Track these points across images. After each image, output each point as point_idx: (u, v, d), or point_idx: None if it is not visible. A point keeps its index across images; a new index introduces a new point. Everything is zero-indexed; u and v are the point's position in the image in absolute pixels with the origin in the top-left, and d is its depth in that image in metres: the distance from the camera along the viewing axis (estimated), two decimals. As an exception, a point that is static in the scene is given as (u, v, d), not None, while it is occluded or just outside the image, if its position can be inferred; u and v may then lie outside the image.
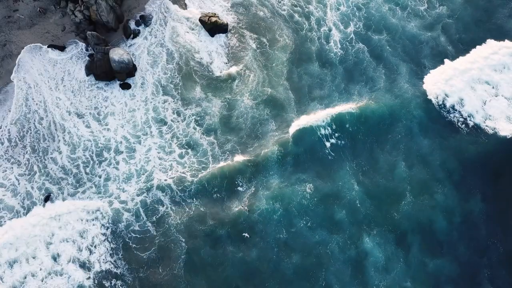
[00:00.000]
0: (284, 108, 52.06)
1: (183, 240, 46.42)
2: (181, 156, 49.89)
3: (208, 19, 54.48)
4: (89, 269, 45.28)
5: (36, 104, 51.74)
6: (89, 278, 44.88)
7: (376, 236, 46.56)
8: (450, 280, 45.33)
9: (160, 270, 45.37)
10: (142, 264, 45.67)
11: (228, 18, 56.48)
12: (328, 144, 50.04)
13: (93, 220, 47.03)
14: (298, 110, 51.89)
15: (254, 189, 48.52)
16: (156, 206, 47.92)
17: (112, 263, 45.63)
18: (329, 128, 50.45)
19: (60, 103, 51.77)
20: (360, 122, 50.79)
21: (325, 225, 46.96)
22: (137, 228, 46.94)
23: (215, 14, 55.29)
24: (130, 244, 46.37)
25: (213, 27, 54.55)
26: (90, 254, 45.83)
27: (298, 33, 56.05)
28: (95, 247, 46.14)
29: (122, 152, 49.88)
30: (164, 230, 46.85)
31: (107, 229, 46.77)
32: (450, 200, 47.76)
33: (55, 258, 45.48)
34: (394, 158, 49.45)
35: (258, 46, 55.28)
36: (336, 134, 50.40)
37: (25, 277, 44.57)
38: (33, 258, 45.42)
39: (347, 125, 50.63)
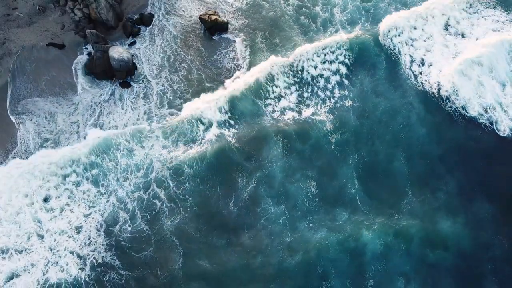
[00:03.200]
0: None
1: (178, 242, 45.54)
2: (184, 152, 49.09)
3: (208, 17, 53.93)
4: (84, 263, 44.67)
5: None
6: (83, 269, 44.33)
7: (377, 230, 45.84)
8: (452, 275, 44.42)
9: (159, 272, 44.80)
10: (138, 262, 45.04)
11: (235, 18, 56.02)
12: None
13: (88, 215, 46.54)
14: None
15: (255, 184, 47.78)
16: (153, 201, 47.07)
17: (109, 258, 44.91)
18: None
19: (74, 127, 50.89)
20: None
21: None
22: (130, 228, 46.35)
23: (215, 12, 54.80)
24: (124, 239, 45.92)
25: (213, 25, 54.00)
26: (85, 246, 45.23)
27: (307, 35, 55.49)
28: (90, 241, 45.54)
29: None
30: (160, 229, 46.04)
31: (101, 225, 46.20)
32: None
33: (50, 249, 45.06)
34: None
35: (269, 47, 54.54)
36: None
37: (25, 268, 44.17)
38: (26, 250, 45.04)
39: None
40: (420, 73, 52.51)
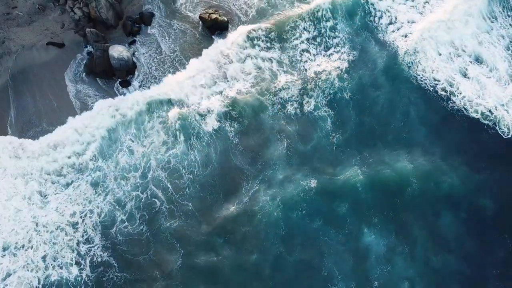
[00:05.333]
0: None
1: (178, 243, 45.34)
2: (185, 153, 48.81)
3: (209, 16, 53.64)
4: (84, 263, 44.61)
5: None
6: (83, 269, 44.16)
7: (379, 228, 45.77)
8: (456, 277, 44.21)
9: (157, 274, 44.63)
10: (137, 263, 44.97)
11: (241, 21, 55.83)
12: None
13: (85, 214, 46.47)
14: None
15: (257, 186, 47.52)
16: (151, 202, 46.86)
17: (106, 257, 44.90)
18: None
19: None
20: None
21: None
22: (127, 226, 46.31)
23: (216, 10, 54.54)
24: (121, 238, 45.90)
25: (213, 24, 53.68)
26: (84, 244, 45.28)
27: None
28: (89, 239, 45.52)
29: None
30: (158, 231, 45.90)
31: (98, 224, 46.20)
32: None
33: (49, 247, 45.11)
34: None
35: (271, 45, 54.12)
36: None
37: (24, 266, 44.19)
38: (22, 248, 45.04)
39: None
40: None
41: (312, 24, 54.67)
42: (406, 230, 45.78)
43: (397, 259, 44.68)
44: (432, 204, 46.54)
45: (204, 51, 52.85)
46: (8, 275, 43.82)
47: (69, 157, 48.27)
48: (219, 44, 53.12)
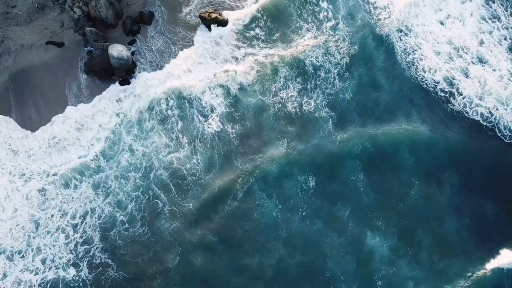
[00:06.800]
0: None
1: (178, 243, 45.42)
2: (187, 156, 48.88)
3: (208, 15, 53.44)
4: (80, 264, 44.80)
5: None
6: (81, 270, 44.27)
7: (383, 232, 45.77)
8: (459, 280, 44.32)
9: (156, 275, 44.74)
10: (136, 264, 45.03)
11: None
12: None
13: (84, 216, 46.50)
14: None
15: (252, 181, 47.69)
16: (152, 203, 46.98)
17: (105, 258, 45.07)
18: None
19: None
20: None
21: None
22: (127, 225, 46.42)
23: (215, 10, 54.36)
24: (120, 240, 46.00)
25: (213, 23, 53.49)
26: (82, 245, 45.48)
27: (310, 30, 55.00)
28: (88, 240, 45.62)
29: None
30: (158, 232, 46.00)
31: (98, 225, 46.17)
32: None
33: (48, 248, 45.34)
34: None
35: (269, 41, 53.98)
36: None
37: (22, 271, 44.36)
38: (18, 253, 45.07)
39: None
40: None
41: (313, 23, 54.57)
42: (408, 232, 45.91)
43: (400, 263, 44.83)
44: (434, 206, 46.53)
45: (202, 49, 53.00)
46: (6, 276, 43.90)
47: (71, 161, 48.50)
48: (217, 41, 53.41)
